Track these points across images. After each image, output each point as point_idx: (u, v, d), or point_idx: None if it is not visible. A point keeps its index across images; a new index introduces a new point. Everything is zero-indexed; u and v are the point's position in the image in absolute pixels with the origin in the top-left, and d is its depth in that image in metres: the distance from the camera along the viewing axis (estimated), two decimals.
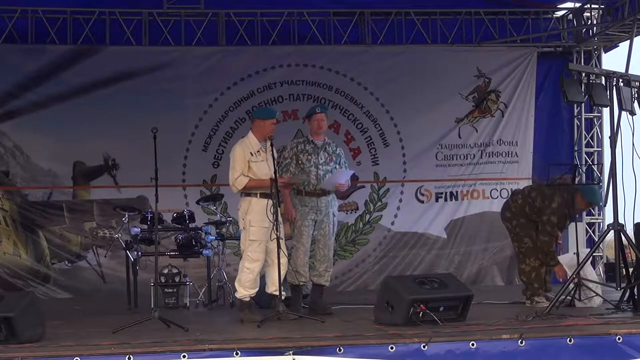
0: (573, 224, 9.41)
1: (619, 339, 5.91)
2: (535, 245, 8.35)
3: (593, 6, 11.76)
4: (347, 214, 11.55)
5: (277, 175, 7.39)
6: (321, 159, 8.10)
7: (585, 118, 12.16)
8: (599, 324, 6.44)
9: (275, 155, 7.70)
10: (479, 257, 11.79)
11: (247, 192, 7.64)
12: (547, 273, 8.43)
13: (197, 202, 10.27)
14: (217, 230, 9.53)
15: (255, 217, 7.55)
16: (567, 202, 8.23)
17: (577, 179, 9.05)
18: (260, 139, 7.64)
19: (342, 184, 8.19)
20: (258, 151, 7.63)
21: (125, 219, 9.42)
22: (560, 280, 8.33)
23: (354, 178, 9.99)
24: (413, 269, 11.50)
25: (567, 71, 8.24)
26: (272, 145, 7.52)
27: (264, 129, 7.64)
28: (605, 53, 12.28)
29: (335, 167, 8.17)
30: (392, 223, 11.75)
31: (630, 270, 7.56)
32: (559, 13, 12.23)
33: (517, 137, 11.85)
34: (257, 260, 7.58)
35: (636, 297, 7.28)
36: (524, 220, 8.43)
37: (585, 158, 12.10)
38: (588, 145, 12.20)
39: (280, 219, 7.52)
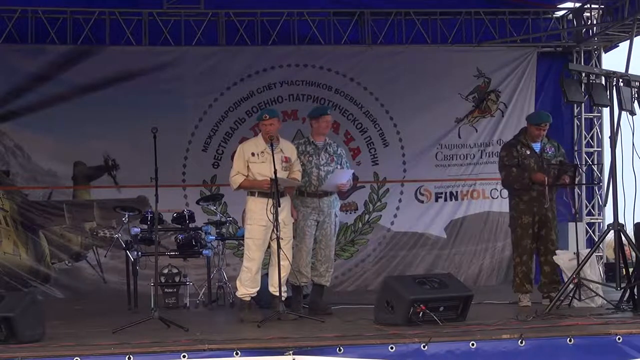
0: (573, 224, 9.40)
1: (619, 339, 5.92)
2: (517, 242, 8.41)
3: (593, 6, 11.75)
4: (346, 214, 11.53)
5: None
6: (322, 160, 8.11)
7: (585, 118, 12.16)
8: (599, 324, 6.45)
9: (291, 154, 7.74)
10: (479, 257, 11.79)
11: (247, 190, 7.69)
12: (546, 275, 8.42)
13: (197, 202, 10.29)
14: (217, 230, 9.54)
15: (252, 215, 7.61)
16: (516, 136, 8.68)
17: (577, 179, 9.06)
18: (265, 141, 7.66)
19: (343, 184, 8.20)
20: (262, 152, 7.65)
21: (125, 219, 9.41)
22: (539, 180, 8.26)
23: (354, 178, 9.99)
24: (413, 269, 11.48)
25: (567, 71, 8.25)
26: (272, 145, 7.50)
27: (262, 130, 7.70)
28: (605, 53, 12.27)
29: (337, 168, 8.18)
30: (392, 223, 11.75)
31: (630, 270, 7.56)
32: (559, 13, 12.22)
33: None
34: (254, 259, 7.61)
35: (636, 297, 7.28)
36: (514, 214, 8.48)
37: (585, 158, 12.09)
38: (588, 145, 12.20)
39: (285, 219, 7.54)
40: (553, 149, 8.54)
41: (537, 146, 8.47)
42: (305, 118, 11.06)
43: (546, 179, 8.18)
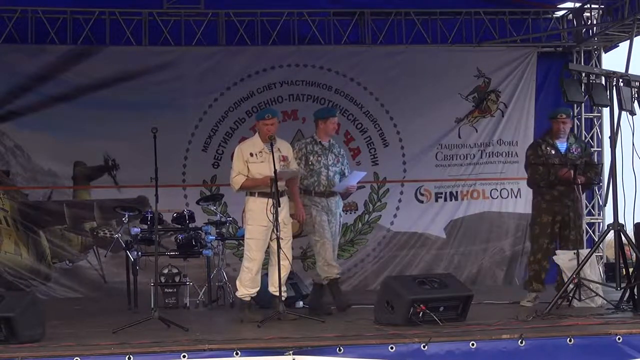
0: None
1: (619, 339, 5.92)
2: (534, 240, 8.43)
3: (593, 6, 11.76)
4: (346, 214, 11.46)
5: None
6: (330, 160, 8.12)
7: (585, 118, 12.16)
8: (599, 324, 6.45)
9: (288, 153, 7.72)
10: (478, 257, 11.78)
11: (247, 190, 7.68)
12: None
13: (197, 202, 10.29)
14: (217, 230, 9.53)
15: (252, 215, 7.61)
16: (543, 135, 8.71)
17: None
18: (263, 140, 7.65)
19: (353, 185, 8.25)
20: (260, 152, 7.64)
21: (125, 219, 9.41)
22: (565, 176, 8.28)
23: None
24: (412, 269, 11.48)
25: (567, 71, 8.26)
26: (272, 145, 7.49)
27: (260, 130, 7.69)
28: (605, 53, 12.27)
29: (342, 168, 8.18)
30: (392, 223, 11.75)
31: (630, 270, 7.55)
32: (559, 13, 12.22)
33: (517, 137, 11.85)
34: (255, 259, 7.61)
35: (636, 297, 7.28)
36: (535, 212, 8.52)
37: None
38: (588, 145, 12.18)
39: (285, 219, 7.54)
40: (579, 149, 8.53)
41: (562, 146, 8.45)
42: (306, 118, 11.16)
43: (572, 174, 8.19)
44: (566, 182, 8.23)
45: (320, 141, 8.17)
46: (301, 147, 8.15)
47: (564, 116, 8.47)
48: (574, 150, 8.47)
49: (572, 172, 8.20)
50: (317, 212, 8.00)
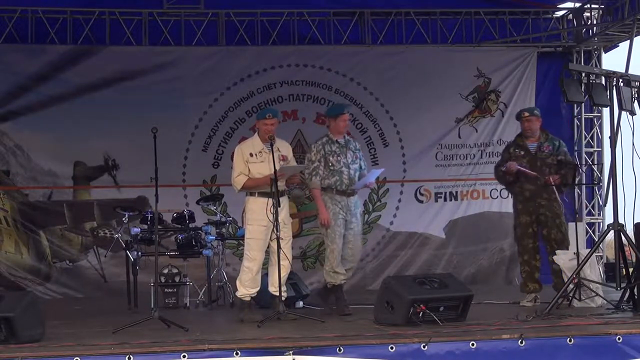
0: (573, 224, 9.41)
1: (619, 339, 5.92)
2: (519, 241, 8.47)
3: (593, 6, 11.76)
4: None
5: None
6: (349, 158, 8.03)
7: (585, 118, 12.16)
8: (599, 324, 6.45)
9: (287, 153, 7.72)
10: (478, 257, 11.78)
11: (248, 190, 7.67)
12: (556, 274, 8.40)
13: (197, 202, 10.30)
14: (217, 230, 9.54)
15: (252, 215, 7.61)
16: (515, 137, 8.72)
17: (577, 179, 9.06)
18: (263, 140, 7.65)
19: (372, 182, 8.30)
20: (260, 152, 7.63)
21: (125, 219, 9.42)
22: (505, 169, 8.37)
23: None
24: (412, 269, 11.49)
25: (567, 71, 8.26)
26: (272, 145, 7.49)
27: (260, 129, 7.69)
28: (605, 53, 12.28)
29: (360, 164, 8.13)
30: (391, 223, 11.76)
31: (630, 270, 7.56)
32: (559, 13, 12.23)
33: None
34: (255, 259, 7.61)
35: (636, 297, 7.28)
36: (514, 214, 8.57)
37: (585, 158, 12.09)
38: (588, 145, 12.20)
39: (285, 219, 7.53)
40: (550, 147, 8.48)
41: (532, 145, 8.46)
42: (305, 118, 11.18)
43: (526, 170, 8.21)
44: (534, 180, 8.26)
45: (336, 140, 8.03)
46: (319, 148, 7.96)
47: (527, 114, 8.49)
48: (544, 149, 8.45)
49: (516, 165, 8.22)
50: (333, 215, 7.89)
